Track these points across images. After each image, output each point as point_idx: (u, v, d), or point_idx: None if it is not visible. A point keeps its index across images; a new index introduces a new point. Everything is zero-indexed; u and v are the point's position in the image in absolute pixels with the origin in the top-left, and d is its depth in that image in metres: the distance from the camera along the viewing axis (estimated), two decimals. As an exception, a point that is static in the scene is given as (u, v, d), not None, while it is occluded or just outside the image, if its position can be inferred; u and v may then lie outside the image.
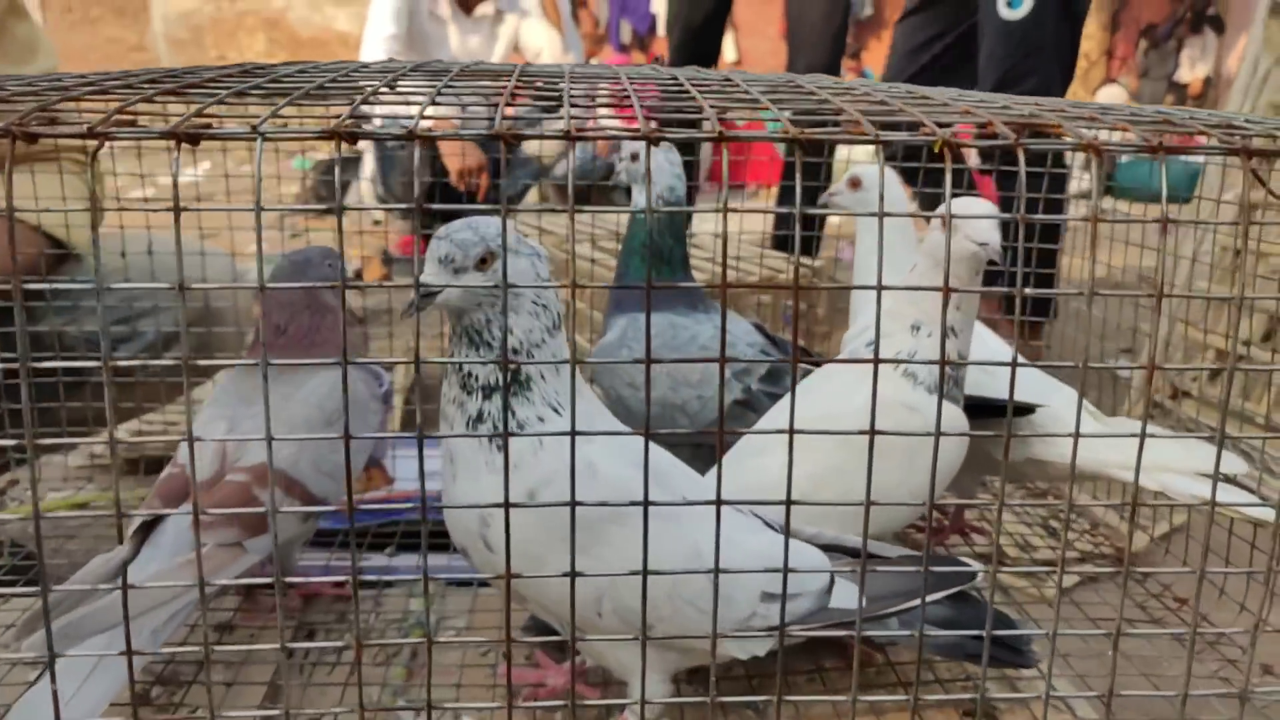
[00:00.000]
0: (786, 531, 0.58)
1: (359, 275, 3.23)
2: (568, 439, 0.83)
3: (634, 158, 1.17)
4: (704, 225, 2.70)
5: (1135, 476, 0.54)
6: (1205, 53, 8.09)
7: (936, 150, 0.48)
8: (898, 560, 0.87)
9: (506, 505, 0.56)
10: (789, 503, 0.56)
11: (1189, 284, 1.86)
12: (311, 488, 1.06)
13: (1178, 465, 0.97)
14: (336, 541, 1.28)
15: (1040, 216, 0.51)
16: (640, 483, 0.84)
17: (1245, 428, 1.70)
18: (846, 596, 0.82)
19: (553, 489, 0.80)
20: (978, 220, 0.92)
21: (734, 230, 2.08)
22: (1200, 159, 3.38)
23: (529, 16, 3.37)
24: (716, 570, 0.56)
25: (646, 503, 0.57)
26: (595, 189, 2.62)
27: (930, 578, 0.82)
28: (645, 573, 0.56)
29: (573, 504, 0.56)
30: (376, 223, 3.42)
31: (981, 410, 1.06)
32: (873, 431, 0.54)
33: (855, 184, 1.25)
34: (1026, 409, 1.08)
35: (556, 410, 0.82)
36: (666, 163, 1.18)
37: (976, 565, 0.84)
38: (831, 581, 0.83)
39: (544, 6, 3.47)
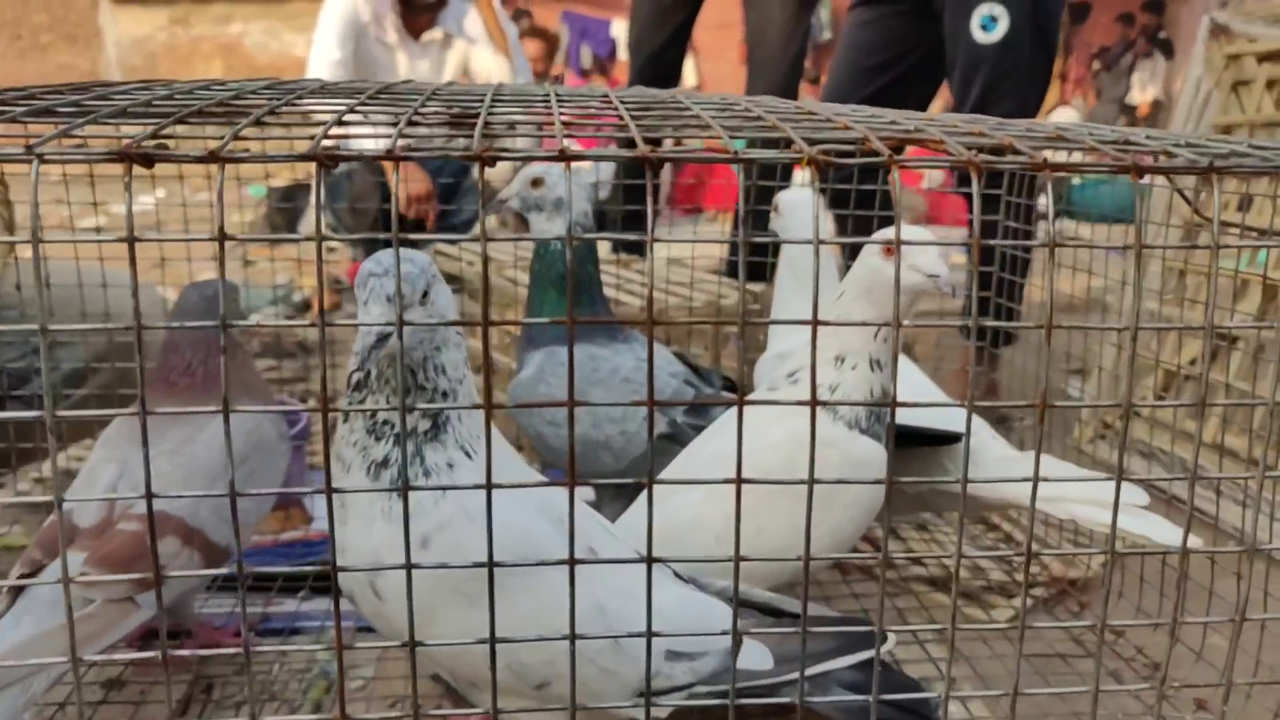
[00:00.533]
0: (649, 589, 0.53)
1: (308, 304, 3.17)
2: (472, 483, 0.79)
3: (535, 184, 1.11)
4: (660, 251, 2.67)
5: (1030, 525, 0.50)
6: (1155, 76, 8.24)
7: (802, 168, 0.44)
8: (784, 620, 0.82)
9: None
10: (649, 560, 0.51)
11: (1135, 307, 1.85)
12: (212, 536, 0.99)
13: (1082, 496, 0.94)
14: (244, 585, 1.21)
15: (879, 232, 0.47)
16: (546, 532, 0.80)
17: (1183, 447, 1.68)
18: (755, 656, 0.78)
19: (447, 534, 0.75)
20: (924, 250, 0.86)
21: (685, 254, 2.07)
22: (1145, 180, 3.40)
23: (477, 43, 3.35)
24: (572, 636, 0.52)
25: (491, 563, 0.52)
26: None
27: (840, 639, 0.78)
28: (493, 641, 0.51)
29: (407, 554, 0.51)
30: (332, 250, 3.35)
31: (907, 440, 1.02)
32: (739, 480, 0.49)
33: (775, 209, 1.23)
34: (951, 438, 1.05)
35: (468, 454, 0.78)
36: (577, 188, 1.13)
37: (890, 636, 0.80)
38: (740, 640, 0.79)
39: (490, 33, 3.44)
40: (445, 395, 0.75)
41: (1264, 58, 1.94)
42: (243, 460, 1.04)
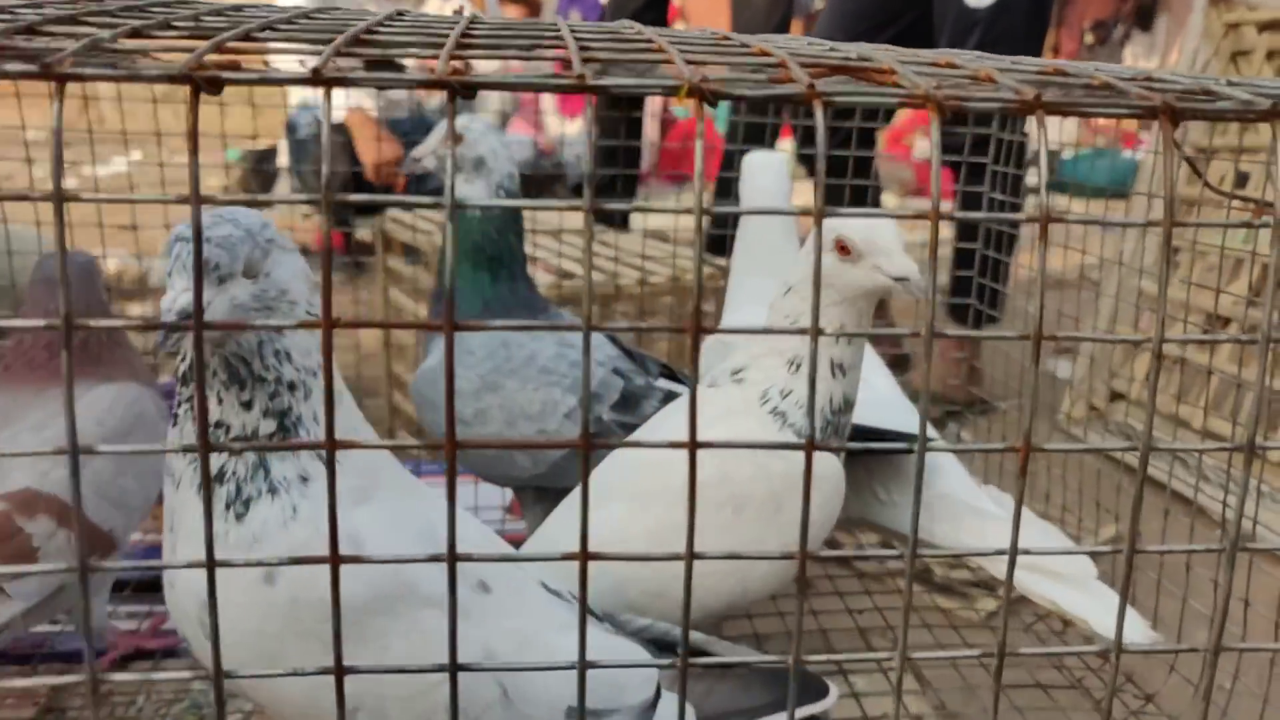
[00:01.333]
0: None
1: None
2: (325, 507, 0.66)
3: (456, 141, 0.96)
4: (638, 223, 2.52)
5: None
6: (1152, 49, 8.04)
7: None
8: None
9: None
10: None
11: (1124, 281, 1.74)
12: (94, 517, 0.88)
13: (1025, 561, 0.82)
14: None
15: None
16: (425, 566, 0.66)
17: (1180, 432, 1.58)
18: (674, 713, 0.65)
19: (299, 569, 0.61)
20: (890, 251, 0.74)
21: (668, 226, 1.99)
22: (1138, 152, 3.28)
23: (450, -7, 3.20)
24: (453, 684, 0.38)
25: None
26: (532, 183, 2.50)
27: (779, 690, 0.66)
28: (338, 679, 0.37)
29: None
30: (306, 216, 3.22)
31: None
32: (690, 557, 0.36)
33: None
34: (905, 441, 0.91)
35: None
36: (500, 146, 0.99)
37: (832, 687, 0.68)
38: (658, 694, 0.66)
39: (465, -15, 3.28)
40: (292, 387, 0.61)
41: (1264, 26, 1.85)
42: (124, 435, 0.93)
